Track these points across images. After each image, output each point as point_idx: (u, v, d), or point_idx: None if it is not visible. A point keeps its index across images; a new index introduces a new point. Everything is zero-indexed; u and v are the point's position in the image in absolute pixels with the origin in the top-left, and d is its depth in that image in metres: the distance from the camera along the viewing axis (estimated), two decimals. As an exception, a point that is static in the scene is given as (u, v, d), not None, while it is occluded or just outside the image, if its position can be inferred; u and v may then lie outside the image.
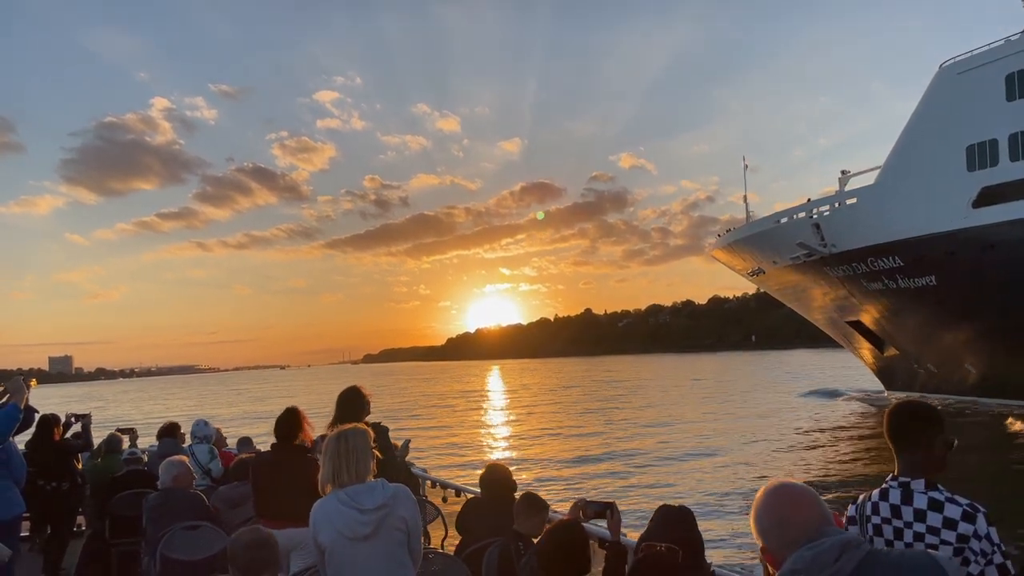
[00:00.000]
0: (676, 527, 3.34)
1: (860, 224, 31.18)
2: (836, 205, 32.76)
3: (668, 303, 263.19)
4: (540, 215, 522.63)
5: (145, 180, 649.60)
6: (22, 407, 5.47)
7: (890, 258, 30.46)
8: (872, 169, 33.69)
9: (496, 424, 38.96)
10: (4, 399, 5.51)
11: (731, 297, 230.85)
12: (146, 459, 8.55)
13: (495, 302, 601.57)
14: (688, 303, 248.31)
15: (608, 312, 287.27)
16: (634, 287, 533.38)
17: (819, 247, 32.97)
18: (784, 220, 35.46)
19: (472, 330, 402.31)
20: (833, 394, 40.72)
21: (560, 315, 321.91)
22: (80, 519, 8.78)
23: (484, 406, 51.36)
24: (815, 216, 33.34)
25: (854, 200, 31.94)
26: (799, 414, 32.77)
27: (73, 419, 8.39)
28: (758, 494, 1.87)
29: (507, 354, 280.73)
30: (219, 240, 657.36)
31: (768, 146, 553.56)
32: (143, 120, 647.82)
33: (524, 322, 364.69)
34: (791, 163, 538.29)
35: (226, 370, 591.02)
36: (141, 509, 5.96)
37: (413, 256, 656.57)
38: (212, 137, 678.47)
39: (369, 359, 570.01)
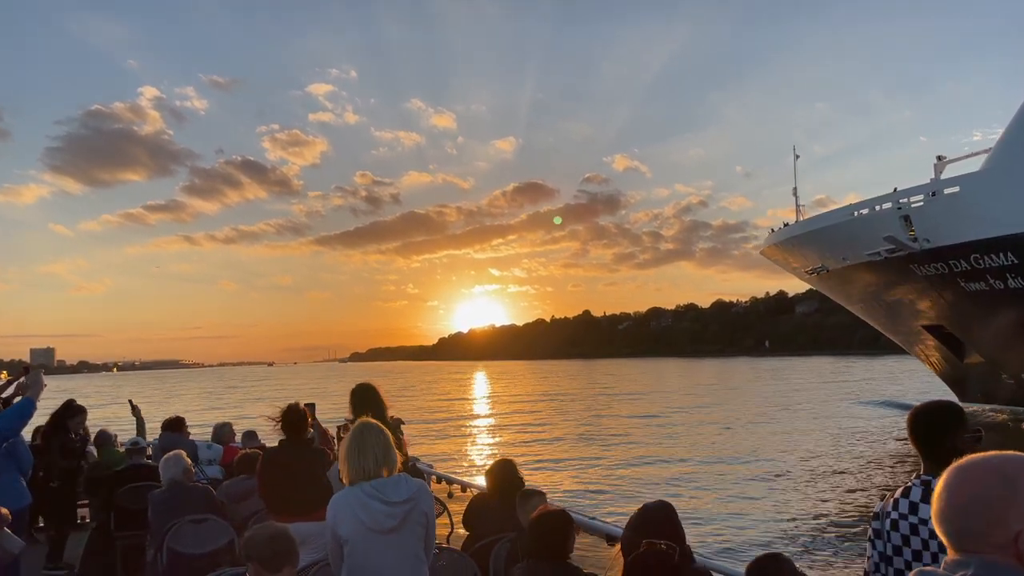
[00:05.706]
0: (661, 525, 3.24)
1: (963, 216, 27.68)
2: (931, 195, 29.21)
3: (662, 307, 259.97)
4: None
5: (132, 171, 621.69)
6: (37, 401, 5.52)
7: (1001, 255, 26.96)
8: (975, 154, 30.32)
9: (508, 424, 36.83)
10: (12, 389, 5.97)
11: (736, 301, 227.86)
12: (150, 451, 8.82)
13: (483, 303, 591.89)
14: (691, 307, 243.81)
15: (607, 314, 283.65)
16: (622, 291, 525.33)
17: (908, 242, 29.52)
18: (864, 212, 31.96)
19: (463, 330, 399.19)
20: (904, 407, 37.34)
21: (555, 316, 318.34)
22: (82, 511, 8.90)
23: (500, 408, 48.00)
24: (902, 207, 29.90)
25: (955, 189, 28.40)
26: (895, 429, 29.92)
27: None
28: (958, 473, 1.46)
29: (500, 355, 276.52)
30: (206, 234, 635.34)
31: (763, 152, 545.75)
32: (131, 109, 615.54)
33: (514, 323, 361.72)
34: (786, 169, 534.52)
35: (210, 365, 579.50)
36: (146, 502, 5.97)
37: (403, 255, 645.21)
38: (202, 128, 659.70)
39: (357, 357, 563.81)
